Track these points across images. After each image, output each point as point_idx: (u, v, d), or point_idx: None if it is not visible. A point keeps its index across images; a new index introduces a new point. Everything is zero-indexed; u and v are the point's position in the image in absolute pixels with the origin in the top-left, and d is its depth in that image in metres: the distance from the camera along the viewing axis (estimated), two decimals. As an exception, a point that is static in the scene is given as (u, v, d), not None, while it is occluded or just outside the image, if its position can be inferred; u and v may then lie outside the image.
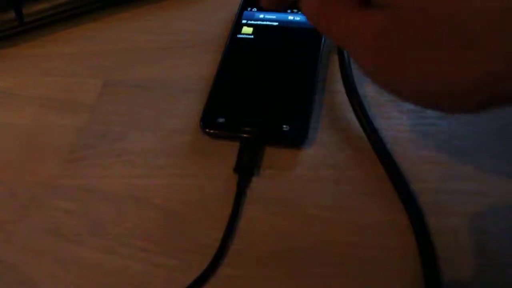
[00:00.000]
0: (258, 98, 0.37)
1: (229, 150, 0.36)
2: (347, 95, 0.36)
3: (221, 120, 0.36)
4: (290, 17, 0.42)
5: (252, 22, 0.42)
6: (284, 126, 0.35)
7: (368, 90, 0.37)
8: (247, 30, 0.42)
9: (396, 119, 0.35)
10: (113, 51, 0.45)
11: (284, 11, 0.41)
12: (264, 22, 0.42)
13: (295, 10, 0.43)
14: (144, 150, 0.37)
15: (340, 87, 0.37)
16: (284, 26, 0.42)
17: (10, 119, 0.42)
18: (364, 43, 0.23)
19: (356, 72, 0.37)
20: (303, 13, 0.27)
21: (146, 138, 0.38)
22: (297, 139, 0.35)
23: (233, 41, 0.41)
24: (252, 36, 0.41)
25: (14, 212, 0.36)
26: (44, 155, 0.39)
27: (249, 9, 0.44)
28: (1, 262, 0.34)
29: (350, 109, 0.36)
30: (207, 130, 0.36)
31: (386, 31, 0.22)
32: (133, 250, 0.33)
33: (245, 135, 0.36)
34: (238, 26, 0.42)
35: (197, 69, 0.41)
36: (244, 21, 0.43)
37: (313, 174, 0.34)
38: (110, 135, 0.39)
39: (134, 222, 0.34)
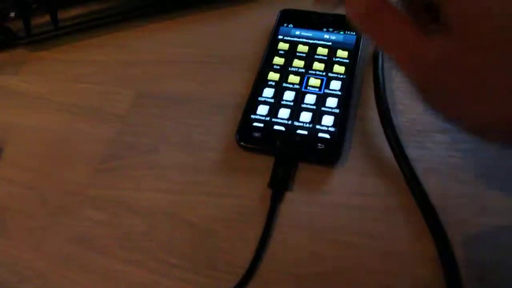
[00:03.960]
0: (294, 116, 0.40)
1: (263, 168, 0.38)
2: (381, 122, 0.38)
3: (256, 134, 0.39)
4: (326, 36, 0.44)
5: (289, 38, 0.45)
6: (319, 144, 0.38)
7: (402, 119, 0.39)
8: (283, 46, 0.44)
9: (428, 150, 0.38)
10: (145, 62, 0.48)
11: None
12: (301, 39, 0.44)
13: (331, 29, 0.45)
14: (176, 165, 0.40)
15: (373, 114, 0.40)
16: (321, 45, 0.44)
17: (40, 123, 0.45)
18: (426, 67, 0.24)
19: (391, 100, 0.39)
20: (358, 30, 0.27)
21: (178, 152, 0.41)
22: (330, 157, 0.38)
23: (270, 58, 0.44)
24: (288, 54, 0.44)
25: (44, 219, 0.39)
26: (74, 163, 0.42)
27: (285, 25, 0.46)
28: (31, 269, 0.37)
29: (383, 136, 0.38)
30: (243, 143, 0.39)
31: (452, 55, 0.23)
32: (163, 265, 0.35)
33: (280, 150, 0.38)
34: (274, 42, 0.45)
35: (230, 86, 0.44)
36: (280, 37, 0.45)
37: (344, 199, 0.37)
38: (141, 147, 0.41)
39: (165, 237, 0.36)
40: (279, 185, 0.37)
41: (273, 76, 0.42)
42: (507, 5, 0.21)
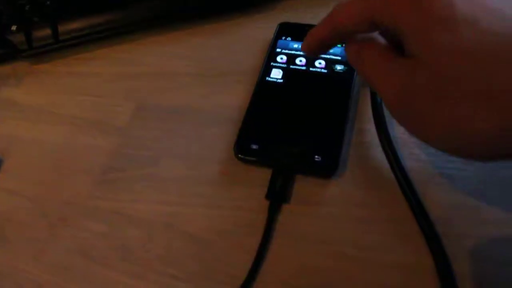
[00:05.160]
0: (292, 128, 0.40)
1: (260, 180, 0.39)
2: (378, 135, 0.38)
3: (254, 146, 0.39)
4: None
5: (287, 51, 0.45)
6: (316, 156, 0.38)
7: (398, 131, 0.39)
8: (281, 58, 0.45)
9: (425, 161, 0.38)
10: (146, 74, 0.48)
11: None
12: (299, 52, 0.45)
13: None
14: (175, 177, 0.40)
15: (369, 126, 0.40)
16: (319, 58, 0.44)
17: (41, 135, 0.46)
18: (390, 87, 0.28)
19: (388, 112, 0.40)
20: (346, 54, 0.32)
21: (177, 164, 0.41)
22: (328, 169, 0.38)
23: (268, 70, 0.44)
24: (286, 66, 0.44)
25: (44, 230, 0.40)
26: (75, 175, 0.42)
27: (283, 38, 0.46)
28: (31, 281, 0.37)
29: (379, 148, 0.38)
30: (240, 156, 0.39)
31: (410, 80, 0.26)
32: (162, 276, 0.36)
33: (278, 163, 0.38)
34: (273, 55, 0.45)
35: (229, 98, 0.45)
36: (278, 50, 0.45)
37: (341, 211, 0.37)
38: (141, 159, 0.42)
39: (164, 248, 0.37)
40: (277, 197, 0.37)
41: (272, 90, 0.43)
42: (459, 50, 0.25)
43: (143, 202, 0.39)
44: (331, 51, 0.45)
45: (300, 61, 0.44)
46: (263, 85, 0.43)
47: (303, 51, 0.35)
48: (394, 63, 0.28)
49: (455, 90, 0.24)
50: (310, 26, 0.46)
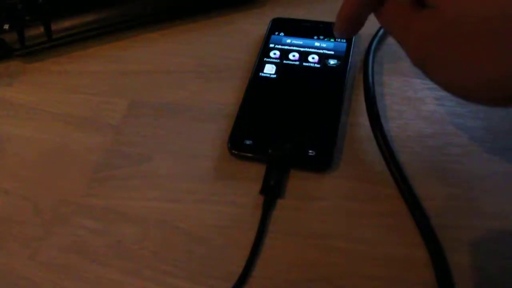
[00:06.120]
0: (285, 123, 0.40)
1: (255, 175, 0.39)
2: (372, 128, 0.38)
3: (248, 142, 0.39)
4: (317, 43, 0.45)
5: (280, 46, 0.45)
6: (310, 151, 0.38)
7: (392, 124, 0.39)
8: (274, 54, 0.45)
9: (419, 154, 0.38)
10: (139, 72, 0.48)
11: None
12: (292, 47, 0.45)
13: (321, 37, 0.45)
14: (170, 174, 0.40)
15: (363, 120, 0.40)
16: (312, 52, 0.44)
17: (35, 134, 0.45)
18: (411, 37, 0.29)
19: (381, 106, 0.40)
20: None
21: (172, 161, 0.41)
22: (322, 164, 0.38)
23: (261, 66, 0.44)
24: (280, 61, 0.44)
25: (38, 229, 0.39)
26: (68, 173, 0.42)
27: (276, 33, 0.46)
28: (25, 279, 0.37)
29: (373, 142, 0.38)
30: (234, 151, 0.39)
31: (429, 28, 0.28)
32: (157, 273, 0.35)
33: (272, 157, 0.38)
34: (266, 50, 0.45)
35: (223, 94, 0.44)
36: (271, 45, 0.45)
37: (336, 205, 0.37)
38: (135, 156, 0.41)
39: (159, 245, 0.37)
40: (271, 192, 0.37)
41: (265, 85, 0.43)
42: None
43: (137, 199, 0.39)
44: (324, 45, 0.44)
45: (293, 56, 0.44)
46: (256, 80, 0.43)
47: (336, 34, 0.35)
48: (414, 15, 0.29)
49: (469, 31, 0.26)
50: (303, 22, 0.47)
